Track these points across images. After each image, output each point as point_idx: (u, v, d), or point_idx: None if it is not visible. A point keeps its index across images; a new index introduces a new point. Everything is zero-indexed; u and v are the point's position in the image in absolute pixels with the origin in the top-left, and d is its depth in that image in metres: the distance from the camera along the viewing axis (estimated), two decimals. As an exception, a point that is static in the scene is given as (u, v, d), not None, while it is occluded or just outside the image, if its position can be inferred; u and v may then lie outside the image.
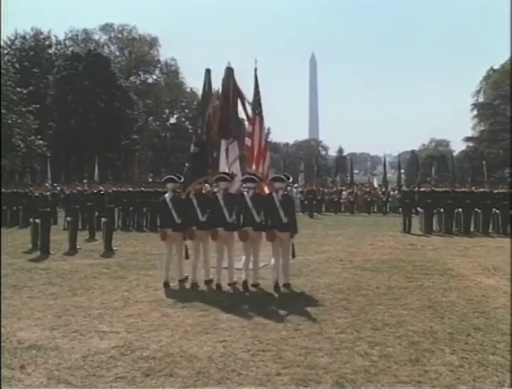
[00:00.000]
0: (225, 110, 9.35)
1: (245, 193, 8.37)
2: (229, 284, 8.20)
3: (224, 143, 9.50)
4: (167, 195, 8.62)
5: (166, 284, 8.20)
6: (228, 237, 8.29)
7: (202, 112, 9.62)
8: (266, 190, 8.73)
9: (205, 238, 8.40)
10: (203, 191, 8.77)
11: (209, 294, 7.80)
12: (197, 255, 8.44)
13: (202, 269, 8.41)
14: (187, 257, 8.51)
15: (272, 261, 8.25)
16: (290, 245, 8.14)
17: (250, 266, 8.23)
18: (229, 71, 9.42)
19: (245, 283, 8.06)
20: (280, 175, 8.77)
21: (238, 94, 9.54)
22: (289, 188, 17.42)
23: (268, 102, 10.36)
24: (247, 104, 9.78)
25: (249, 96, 9.75)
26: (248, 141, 9.56)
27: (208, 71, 9.64)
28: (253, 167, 9.31)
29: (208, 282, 8.32)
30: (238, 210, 8.19)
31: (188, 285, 8.29)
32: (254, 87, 9.69)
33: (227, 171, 9.08)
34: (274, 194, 8.20)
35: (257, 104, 9.68)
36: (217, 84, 9.64)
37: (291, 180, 9.78)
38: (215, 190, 8.76)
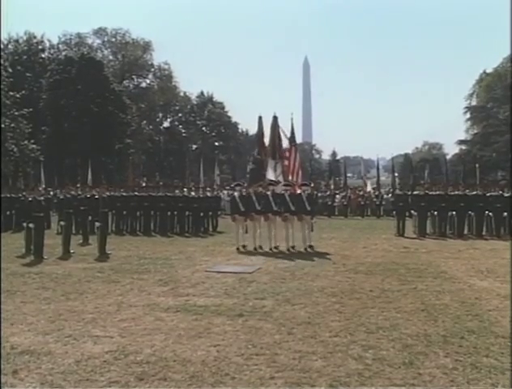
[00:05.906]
0: (274, 143, 15.35)
1: (284, 192, 13.65)
2: (270, 249, 13.04)
3: (271, 161, 15.06)
4: (236, 194, 13.78)
5: (238, 249, 13.01)
6: (274, 219, 13.35)
7: (259, 144, 15.89)
8: (298, 191, 13.93)
9: (259, 220, 13.40)
10: (258, 191, 13.79)
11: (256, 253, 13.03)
12: (255, 230, 13.30)
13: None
14: (246, 231, 13.24)
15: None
16: (311, 224, 13.27)
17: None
18: (275, 119, 15.42)
19: (292, 248, 12.97)
20: (306, 182, 15.51)
21: (280, 135, 15.82)
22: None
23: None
24: (283, 139, 16.24)
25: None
26: (286, 162, 15.78)
27: (260, 118, 16.07)
28: (290, 177, 15.35)
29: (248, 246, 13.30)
30: (280, 202, 13.29)
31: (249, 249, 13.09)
32: (291, 129, 16.51)
33: (273, 179, 14.50)
34: (302, 193, 13.53)
35: (293, 139, 16.28)
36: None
37: (312, 185, 18.02)
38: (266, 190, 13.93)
